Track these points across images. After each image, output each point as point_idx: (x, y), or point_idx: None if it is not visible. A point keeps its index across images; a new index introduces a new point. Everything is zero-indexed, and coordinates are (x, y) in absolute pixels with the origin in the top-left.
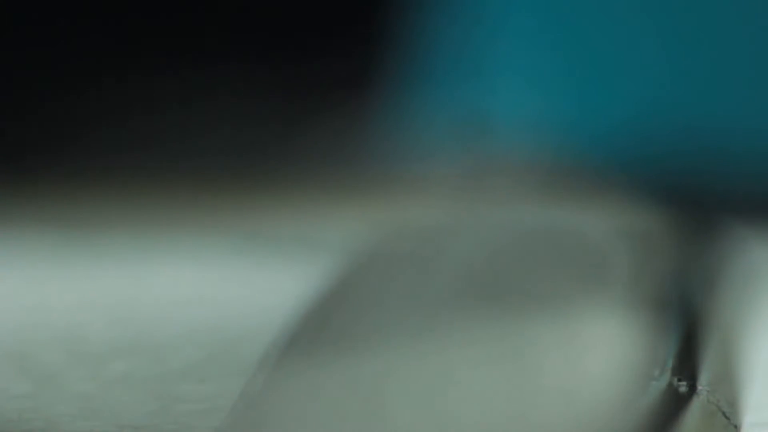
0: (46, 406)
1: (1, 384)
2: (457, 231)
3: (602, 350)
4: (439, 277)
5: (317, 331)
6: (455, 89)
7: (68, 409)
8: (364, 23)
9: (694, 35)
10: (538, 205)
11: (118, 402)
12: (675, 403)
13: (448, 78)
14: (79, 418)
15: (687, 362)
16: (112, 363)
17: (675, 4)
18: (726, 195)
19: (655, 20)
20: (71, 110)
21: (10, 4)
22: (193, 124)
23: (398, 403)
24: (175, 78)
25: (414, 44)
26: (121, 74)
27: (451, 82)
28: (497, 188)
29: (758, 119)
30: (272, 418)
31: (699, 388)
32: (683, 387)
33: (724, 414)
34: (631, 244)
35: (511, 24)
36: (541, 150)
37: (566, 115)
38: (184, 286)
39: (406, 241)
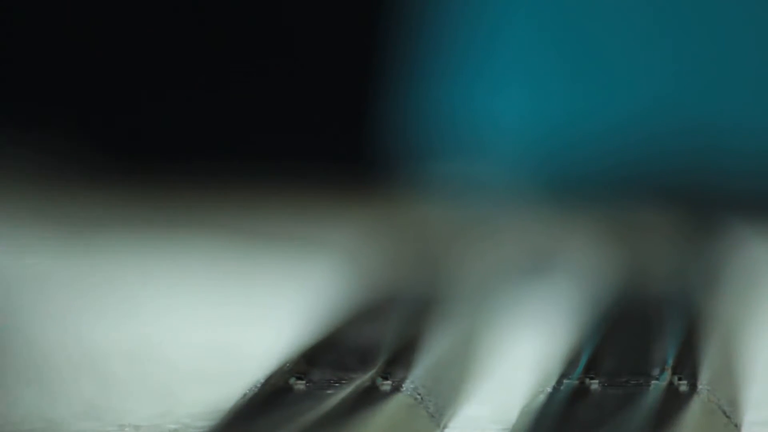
0: (47, 406)
1: (3, 384)
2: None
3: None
4: None
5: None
6: (455, 89)
7: (70, 410)
8: (364, 23)
9: (695, 33)
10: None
11: (119, 402)
12: (675, 402)
13: (448, 78)
14: (81, 418)
15: (687, 361)
16: (114, 363)
17: (675, 2)
18: (726, 193)
19: (655, 19)
20: (68, 109)
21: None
22: (193, 124)
23: None
24: (174, 76)
25: (414, 44)
26: (123, 74)
27: (451, 82)
28: (496, 187)
29: (759, 117)
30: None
31: (699, 386)
32: (684, 386)
33: (724, 412)
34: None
35: (511, 23)
36: (540, 148)
37: (566, 114)
38: (185, 286)
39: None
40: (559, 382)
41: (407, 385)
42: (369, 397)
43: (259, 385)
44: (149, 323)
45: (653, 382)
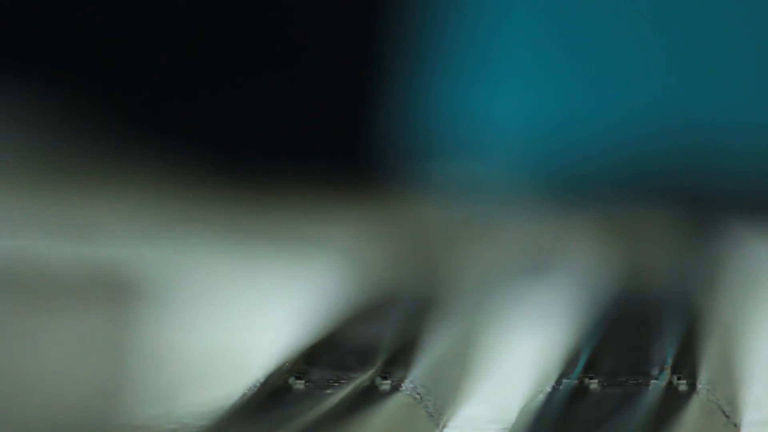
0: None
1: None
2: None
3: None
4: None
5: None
6: (455, 89)
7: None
8: (364, 23)
9: (695, 34)
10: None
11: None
12: (675, 402)
13: (448, 78)
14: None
15: (687, 360)
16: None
17: (675, 3)
18: (725, 194)
19: (655, 19)
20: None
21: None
22: (192, 124)
23: None
24: (173, 76)
25: (414, 44)
26: (129, 79)
27: (451, 82)
28: (496, 187)
29: (759, 118)
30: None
31: (699, 386)
32: (683, 385)
33: (723, 412)
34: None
35: (511, 23)
36: (540, 148)
37: (566, 114)
38: (185, 285)
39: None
40: (558, 382)
41: (406, 385)
42: (368, 397)
43: (258, 385)
44: (148, 323)
45: (652, 381)
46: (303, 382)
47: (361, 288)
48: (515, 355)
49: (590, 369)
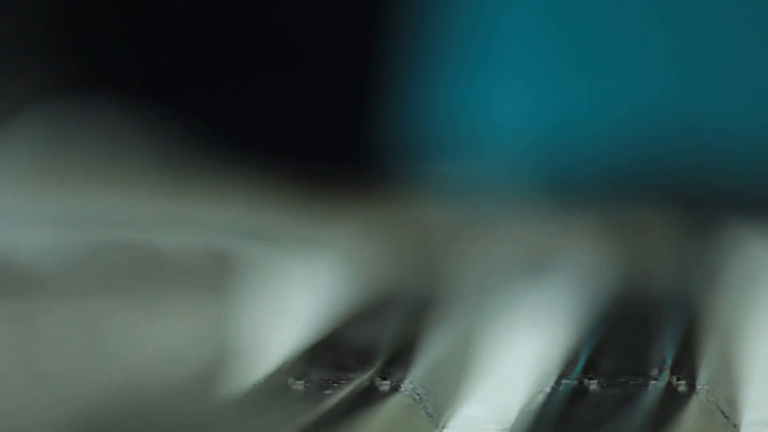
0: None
1: None
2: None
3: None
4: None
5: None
6: (454, 89)
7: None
8: (364, 23)
9: (695, 34)
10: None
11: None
12: (674, 402)
13: (448, 78)
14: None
15: (686, 361)
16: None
17: (675, 4)
18: (725, 194)
19: (655, 20)
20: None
21: None
22: (192, 124)
23: None
24: (171, 76)
25: (413, 44)
26: (137, 84)
27: (451, 82)
28: (496, 187)
29: (759, 118)
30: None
31: (698, 386)
32: (682, 386)
33: (723, 413)
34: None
35: (511, 23)
36: (540, 148)
37: (566, 114)
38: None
39: None
40: (557, 382)
41: (406, 385)
42: (368, 398)
43: (258, 386)
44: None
45: (652, 382)
46: (302, 382)
47: (361, 288)
48: (515, 355)
49: (590, 369)
